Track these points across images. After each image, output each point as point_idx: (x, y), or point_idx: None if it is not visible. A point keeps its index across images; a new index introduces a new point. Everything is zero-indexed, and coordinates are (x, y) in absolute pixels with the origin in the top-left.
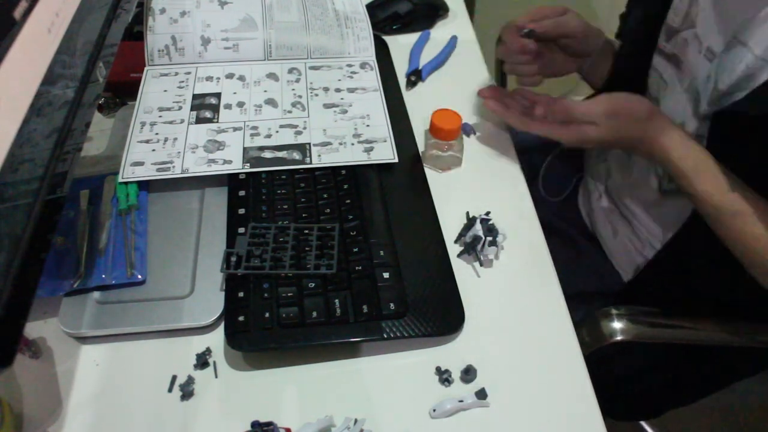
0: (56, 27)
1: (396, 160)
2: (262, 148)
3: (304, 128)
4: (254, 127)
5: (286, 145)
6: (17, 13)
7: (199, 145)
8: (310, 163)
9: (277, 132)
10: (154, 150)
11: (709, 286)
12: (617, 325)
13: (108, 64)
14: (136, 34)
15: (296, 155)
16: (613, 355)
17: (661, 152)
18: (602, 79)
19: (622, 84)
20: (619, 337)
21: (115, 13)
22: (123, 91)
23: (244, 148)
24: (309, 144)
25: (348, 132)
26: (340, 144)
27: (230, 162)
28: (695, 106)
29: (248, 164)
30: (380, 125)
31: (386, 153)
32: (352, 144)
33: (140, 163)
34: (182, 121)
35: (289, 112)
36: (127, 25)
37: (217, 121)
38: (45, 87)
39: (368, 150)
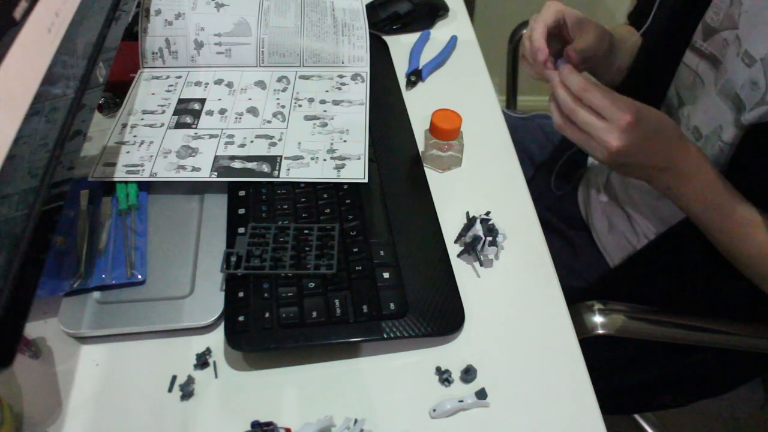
0: (56, 27)
1: (365, 180)
2: (233, 158)
3: (279, 140)
4: (230, 136)
5: (257, 156)
6: (17, 13)
7: (173, 151)
8: (278, 176)
9: (251, 142)
10: (128, 152)
11: (697, 283)
12: (599, 319)
13: (108, 65)
14: (136, 34)
15: (265, 167)
16: (598, 346)
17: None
18: (619, 72)
19: (643, 78)
20: (600, 331)
21: (114, 14)
22: (123, 91)
23: (216, 156)
24: (280, 157)
25: (323, 147)
26: (312, 159)
27: (199, 169)
28: (737, 113)
29: (216, 173)
30: (357, 141)
31: (357, 172)
32: (324, 160)
33: (112, 164)
34: (162, 125)
35: (269, 122)
36: (127, 25)
37: (196, 127)
38: (45, 87)
39: (339, 167)
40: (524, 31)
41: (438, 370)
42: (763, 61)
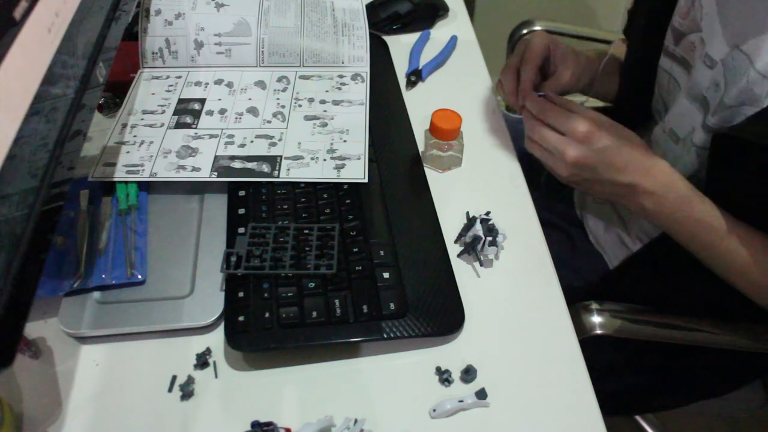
0: (56, 27)
1: (365, 180)
2: (233, 158)
3: (279, 140)
4: (230, 136)
5: (257, 156)
6: (17, 13)
7: (173, 151)
8: (278, 176)
9: (251, 142)
10: (128, 152)
11: (694, 284)
12: (597, 319)
13: (108, 65)
14: (136, 34)
15: (265, 167)
16: (598, 347)
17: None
18: (614, 91)
19: (633, 86)
20: (598, 331)
21: (114, 14)
22: (123, 91)
23: (216, 156)
24: (280, 157)
25: (323, 147)
26: (312, 159)
27: (199, 169)
28: (704, 116)
29: (216, 173)
30: (357, 141)
31: (357, 172)
32: (324, 160)
33: (112, 164)
34: (162, 125)
35: (269, 122)
36: (127, 25)
37: (196, 127)
38: (45, 87)
39: (339, 167)
40: (525, 36)
41: (438, 370)
42: (723, 63)
